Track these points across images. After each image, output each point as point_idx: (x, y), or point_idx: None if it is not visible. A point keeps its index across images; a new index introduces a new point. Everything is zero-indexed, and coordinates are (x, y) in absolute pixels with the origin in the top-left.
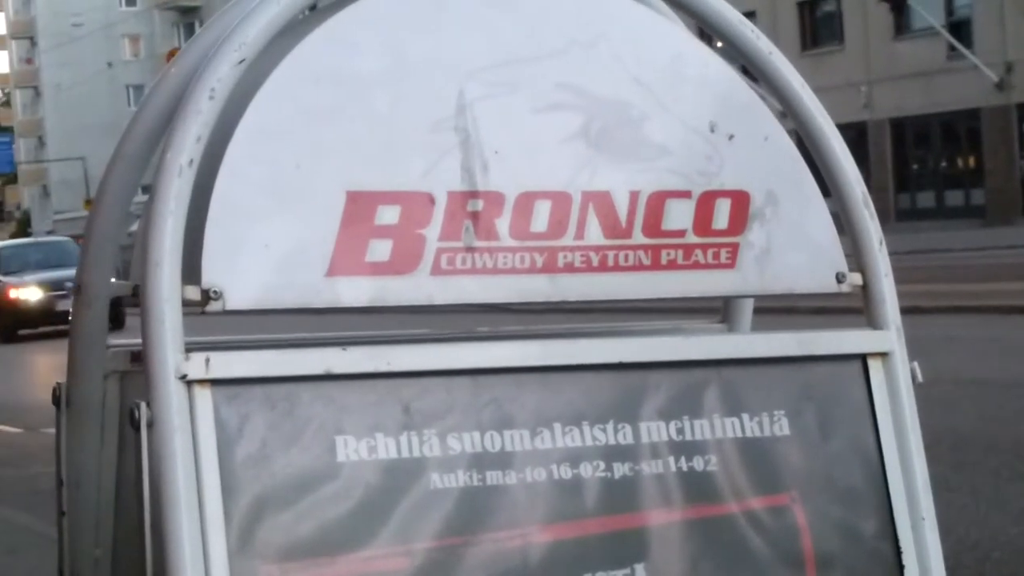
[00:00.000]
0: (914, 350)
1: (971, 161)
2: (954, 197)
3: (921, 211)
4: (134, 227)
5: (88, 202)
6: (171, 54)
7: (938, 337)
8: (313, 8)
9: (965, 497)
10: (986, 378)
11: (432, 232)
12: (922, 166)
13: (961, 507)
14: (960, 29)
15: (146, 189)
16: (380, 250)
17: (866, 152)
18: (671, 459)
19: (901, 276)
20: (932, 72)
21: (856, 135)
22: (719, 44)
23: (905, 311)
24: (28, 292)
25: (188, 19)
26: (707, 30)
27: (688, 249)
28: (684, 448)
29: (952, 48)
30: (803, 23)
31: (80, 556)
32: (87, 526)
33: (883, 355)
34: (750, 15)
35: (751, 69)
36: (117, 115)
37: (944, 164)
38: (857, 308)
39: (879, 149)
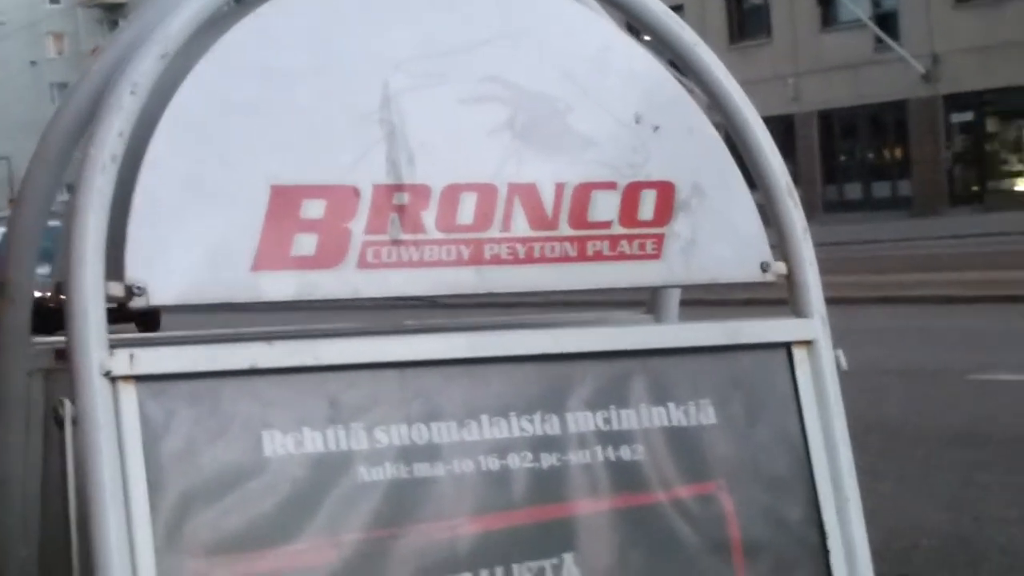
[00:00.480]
0: (842, 341)
1: (898, 152)
2: (881, 188)
3: (848, 203)
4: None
5: (12, 201)
6: (95, 51)
7: (866, 328)
8: (238, 1)
9: (894, 485)
10: (914, 368)
11: (358, 225)
12: (849, 158)
13: (890, 495)
14: (887, 21)
15: (70, 188)
16: (305, 244)
17: (794, 144)
18: (598, 449)
19: (829, 267)
20: (859, 64)
21: (784, 127)
22: (646, 38)
23: (833, 302)
24: None
25: (113, 16)
26: (633, 23)
27: (614, 240)
28: (611, 438)
29: (879, 40)
30: (730, 16)
31: (7, 555)
32: (13, 524)
33: (808, 343)
34: (677, 8)
35: (677, 61)
36: (41, 113)
37: (871, 156)
38: (786, 299)
39: (807, 141)
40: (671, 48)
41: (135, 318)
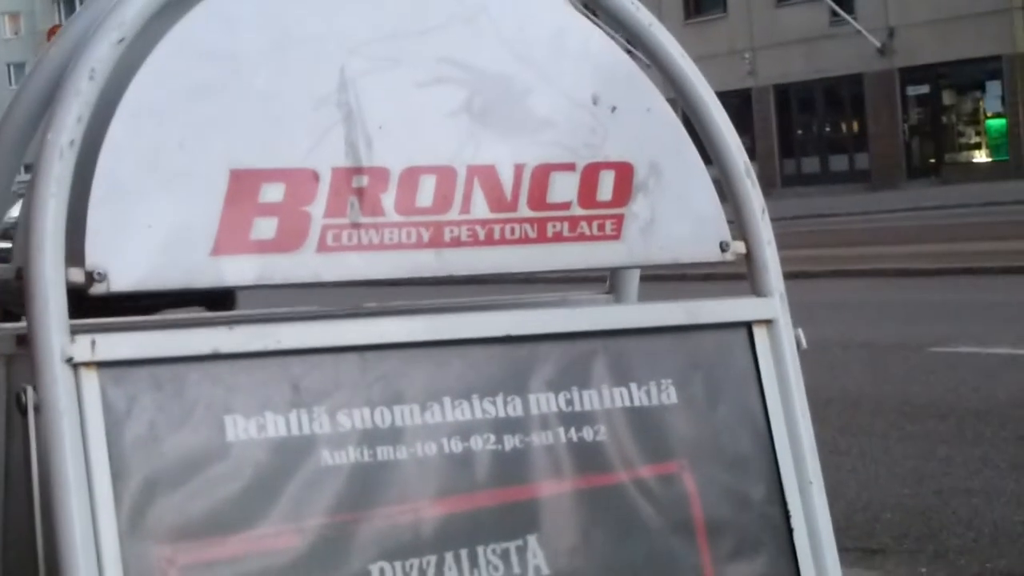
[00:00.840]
0: (801, 315)
1: (855, 126)
2: (839, 162)
3: (806, 176)
4: (14, 212)
5: None
6: (52, 31)
7: (825, 301)
8: None
9: (855, 459)
10: (873, 341)
11: (317, 209)
12: (806, 132)
13: (851, 469)
14: None
15: (28, 168)
16: (265, 228)
17: (751, 119)
18: (560, 430)
19: (787, 241)
20: (815, 38)
21: (740, 102)
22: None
23: (792, 276)
24: None
25: None
26: (588, 3)
27: (573, 221)
28: (573, 419)
29: (834, 14)
30: None
31: None
32: None
33: (767, 322)
34: None
35: (631, 41)
36: None
37: (828, 129)
38: (744, 274)
39: (763, 116)
40: (627, 29)
41: (205, 301)
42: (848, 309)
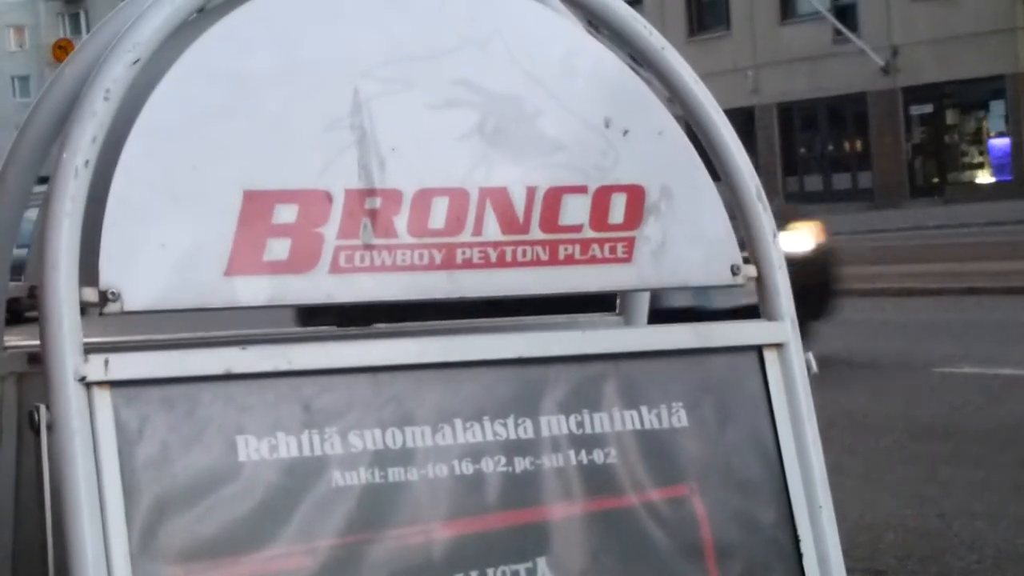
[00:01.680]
0: (804, 333)
1: (858, 145)
2: (841, 180)
3: (809, 195)
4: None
5: None
6: (57, 44)
7: (828, 320)
8: (201, 10)
9: (858, 480)
10: (876, 360)
11: (330, 230)
12: (809, 150)
13: (854, 490)
14: (845, 13)
15: (43, 180)
16: (278, 249)
17: (754, 137)
18: (571, 452)
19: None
20: (818, 56)
21: (744, 120)
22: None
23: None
24: None
25: (73, 9)
26: (599, 26)
27: (585, 244)
28: (584, 441)
29: (838, 32)
30: (689, 9)
31: None
32: None
33: (778, 346)
34: (636, 2)
35: (645, 65)
36: (3, 107)
37: (831, 148)
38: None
39: (766, 133)
40: (639, 52)
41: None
42: (851, 328)
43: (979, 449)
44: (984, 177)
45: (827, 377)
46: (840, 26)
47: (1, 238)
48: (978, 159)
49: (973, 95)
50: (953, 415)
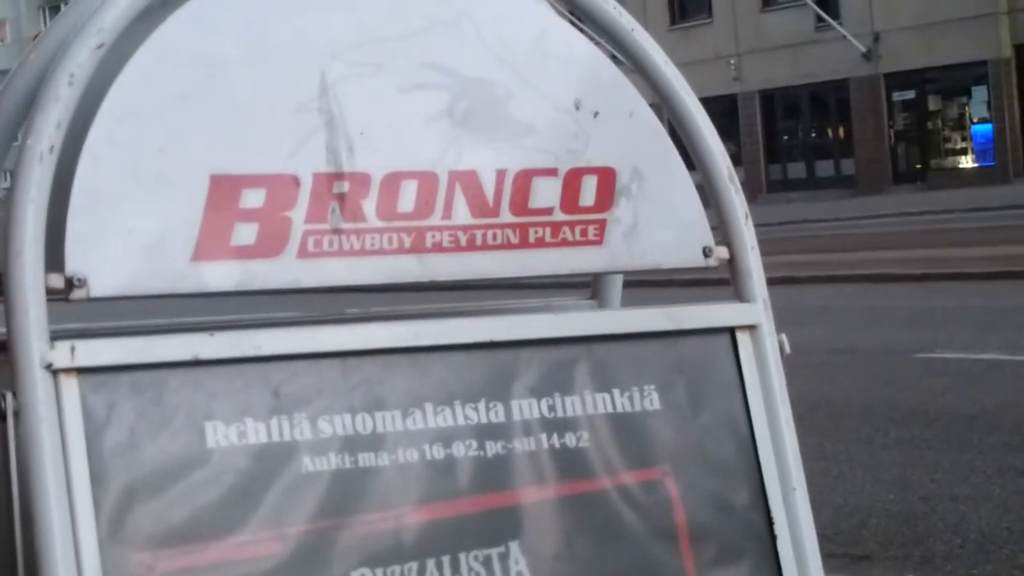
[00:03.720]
0: (787, 320)
1: (840, 131)
2: (824, 168)
3: (792, 182)
4: None
5: None
6: (37, 37)
7: (811, 307)
8: None
9: (841, 465)
10: (858, 347)
11: (298, 215)
12: (792, 137)
13: (837, 475)
14: (827, 0)
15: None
16: (246, 234)
17: (736, 125)
18: (543, 436)
19: (773, 247)
20: (800, 43)
21: (726, 108)
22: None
23: (778, 281)
24: None
25: (54, 2)
26: (569, 7)
27: (556, 227)
28: (556, 425)
29: (820, 19)
30: None
31: None
32: None
33: (751, 328)
34: None
35: (614, 47)
36: None
37: (814, 135)
38: (727, 279)
39: (749, 121)
40: (608, 34)
41: None
42: (833, 315)
43: (962, 433)
44: (967, 163)
45: (809, 364)
46: (822, 13)
47: None
48: (961, 145)
49: (955, 81)
50: (936, 400)
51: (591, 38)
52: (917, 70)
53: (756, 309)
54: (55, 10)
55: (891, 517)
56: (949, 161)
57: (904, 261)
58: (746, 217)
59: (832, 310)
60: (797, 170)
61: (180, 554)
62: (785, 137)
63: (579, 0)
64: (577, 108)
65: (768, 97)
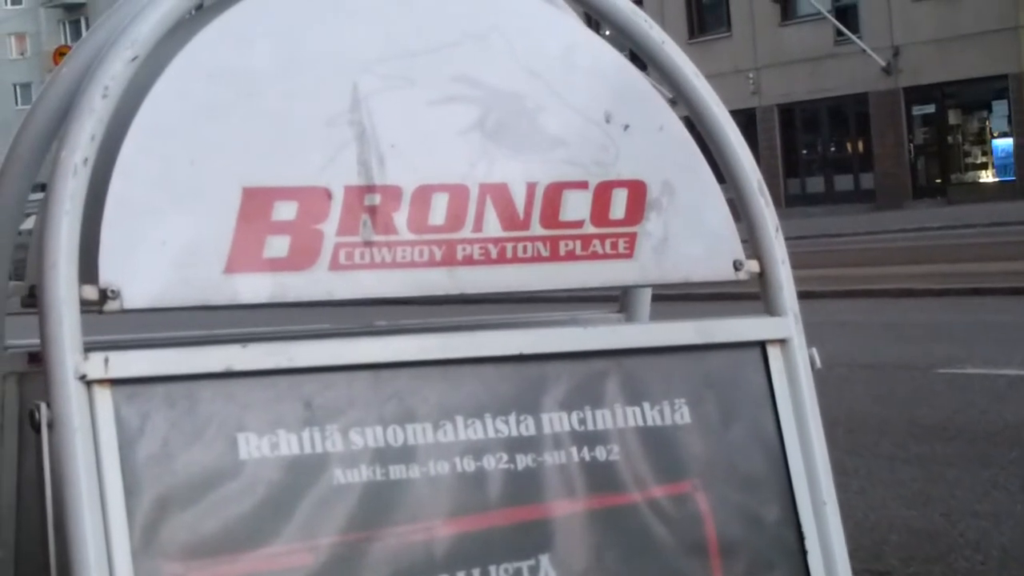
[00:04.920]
0: (807, 335)
1: (860, 146)
2: (844, 182)
3: (811, 196)
4: (26, 225)
5: None
6: (58, 51)
7: (831, 321)
8: (199, 7)
9: (862, 480)
10: (879, 361)
11: (330, 227)
12: (811, 151)
13: (858, 490)
14: (847, 14)
15: (41, 187)
16: (278, 246)
17: (755, 138)
18: (573, 449)
19: (792, 261)
20: (819, 57)
21: (745, 121)
22: (607, 32)
23: (798, 296)
24: None
25: (74, 16)
26: (600, 20)
27: (586, 240)
28: (586, 438)
29: (839, 33)
30: (690, 10)
31: None
32: None
33: (782, 342)
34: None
35: (645, 59)
36: (5, 114)
37: (833, 149)
38: (754, 293)
39: (768, 135)
40: (639, 46)
41: None
42: (853, 330)
43: (983, 450)
44: (987, 177)
45: (830, 379)
46: (841, 27)
47: (1, 239)
48: (981, 159)
49: (976, 95)
50: (957, 416)
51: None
52: (937, 84)
53: (787, 323)
54: (75, 24)
55: (912, 533)
56: (969, 176)
57: (924, 276)
58: (776, 230)
59: (852, 325)
60: (816, 184)
61: (212, 565)
62: (804, 151)
63: (609, 13)
64: (607, 121)
65: (787, 111)
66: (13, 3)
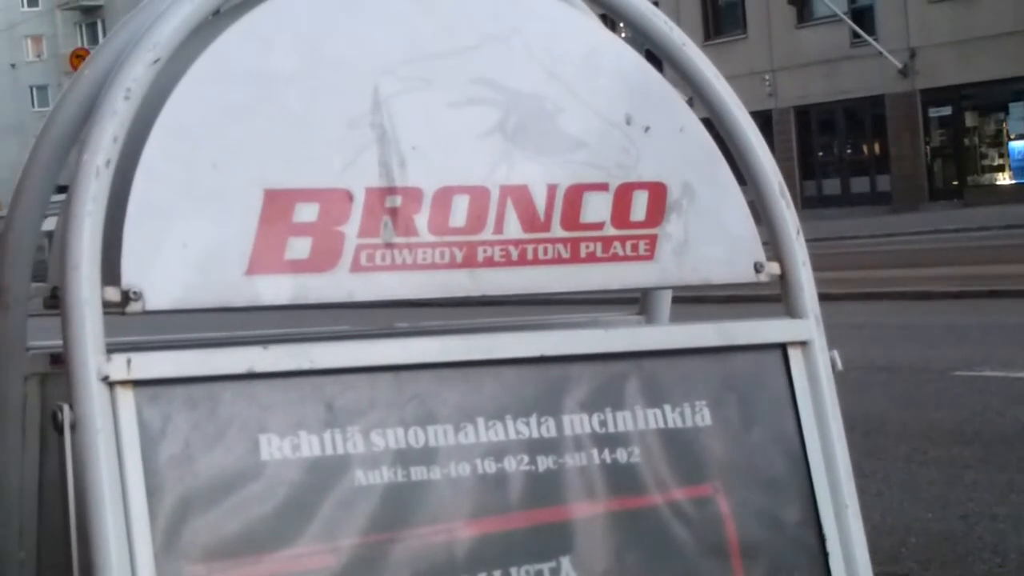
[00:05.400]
0: (825, 337)
1: (876, 148)
2: (860, 184)
3: (827, 198)
4: (47, 226)
5: None
6: (74, 54)
7: (847, 324)
8: (215, 13)
9: (879, 483)
10: (896, 364)
11: (351, 229)
12: (827, 153)
13: (876, 493)
14: (863, 16)
15: (62, 189)
16: (299, 248)
17: (771, 140)
18: (594, 451)
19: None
20: (836, 59)
21: (761, 123)
22: (623, 34)
23: None
24: None
25: (90, 19)
26: (620, 21)
27: (607, 242)
28: (607, 440)
29: (855, 35)
30: (706, 12)
31: (5, 558)
32: (11, 528)
33: (803, 344)
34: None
35: (665, 61)
36: (21, 116)
37: (849, 151)
38: (768, 296)
39: (784, 137)
40: (659, 48)
41: None
42: (869, 332)
43: (1001, 452)
44: (1004, 179)
45: (846, 381)
46: (857, 29)
47: (23, 240)
48: (998, 161)
49: (992, 97)
50: (974, 419)
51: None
52: (954, 86)
53: (808, 325)
54: (91, 27)
55: (930, 536)
56: (986, 178)
57: (941, 278)
58: (797, 232)
59: (868, 327)
60: (832, 186)
61: (233, 566)
62: (820, 153)
63: (629, 14)
64: (628, 123)
65: (803, 113)
66: (30, 5)
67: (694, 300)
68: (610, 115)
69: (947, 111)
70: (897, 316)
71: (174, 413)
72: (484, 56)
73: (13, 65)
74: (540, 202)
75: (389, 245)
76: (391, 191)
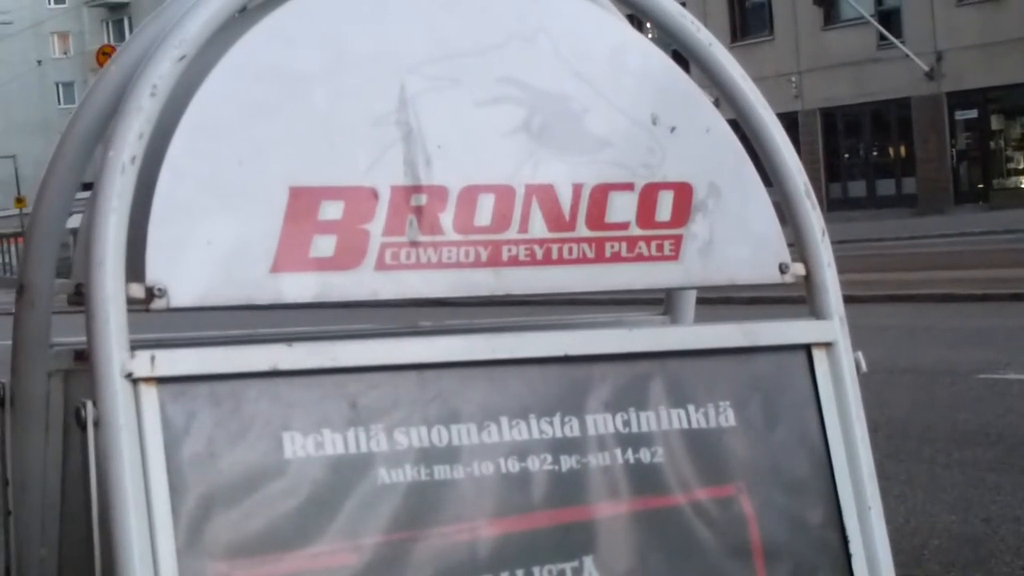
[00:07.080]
0: (849, 339)
1: (902, 150)
2: (885, 186)
3: (853, 200)
4: (71, 223)
5: (19, 200)
6: (101, 51)
7: (872, 326)
8: (242, 10)
9: (902, 485)
10: (920, 366)
11: (376, 227)
12: (853, 156)
13: (899, 495)
14: (889, 18)
15: (87, 186)
16: (324, 246)
17: (797, 142)
18: (618, 451)
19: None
20: (862, 62)
21: (787, 125)
22: (650, 34)
23: None
24: None
25: (117, 16)
26: (647, 21)
27: (632, 241)
28: (631, 440)
29: (882, 38)
30: (733, 14)
31: (26, 555)
32: (33, 525)
33: (827, 345)
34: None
35: (692, 61)
36: (47, 113)
37: (875, 153)
38: (793, 297)
39: (810, 139)
40: (686, 48)
41: None
42: (894, 334)
43: None
44: None
45: (870, 383)
46: (884, 31)
47: (47, 237)
48: (1023, 164)
49: (1019, 100)
50: (998, 421)
51: None
52: (980, 89)
53: (832, 326)
54: (118, 24)
55: (953, 538)
56: (1012, 181)
57: (966, 281)
58: (823, 233)
59: (892, 330)
60: (858, 188)
61: (256, 564)
62: (846, 155)
63: (656, 14)
64: (654, 123)
65: (829, 115)
66: (56, 2)
67: (718, 301)
68: (636, 115)
69: (973, 114)
70: (922, 318)
71: (198, 410)
72: (510, 55)
73: (39, 62)
74: (565, 202)
75: (414, 243)
76: (416, 189)
